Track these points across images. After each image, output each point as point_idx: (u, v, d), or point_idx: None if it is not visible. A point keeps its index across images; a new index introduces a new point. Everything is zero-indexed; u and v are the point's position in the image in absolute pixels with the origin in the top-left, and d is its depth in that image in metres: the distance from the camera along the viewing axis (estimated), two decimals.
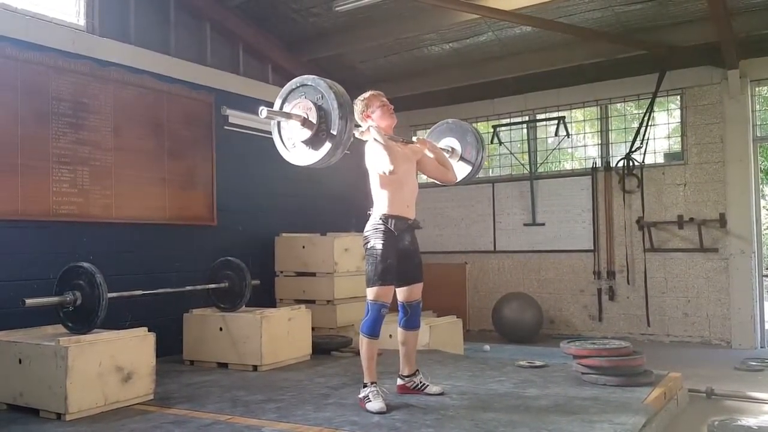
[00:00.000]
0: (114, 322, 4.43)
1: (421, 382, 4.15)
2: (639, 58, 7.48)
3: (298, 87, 3.59)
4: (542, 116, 8.65)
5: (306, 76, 3.63)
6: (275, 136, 3.71)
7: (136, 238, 5.87)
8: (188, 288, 5.43)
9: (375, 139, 3.86)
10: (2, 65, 4.97)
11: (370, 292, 3.84)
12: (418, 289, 4.07)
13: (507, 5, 6.41)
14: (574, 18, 6.88)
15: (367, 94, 4.05)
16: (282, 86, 3.72)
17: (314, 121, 3.45)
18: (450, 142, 4.59)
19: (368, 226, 3.93)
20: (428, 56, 8.07)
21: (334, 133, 3.40)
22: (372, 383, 3.83)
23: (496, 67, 8.11)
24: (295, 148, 3.60)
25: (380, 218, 3.88)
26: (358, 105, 3.97)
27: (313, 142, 3.50)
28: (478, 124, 9.22)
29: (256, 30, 7.41)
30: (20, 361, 3.95)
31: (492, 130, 8.79)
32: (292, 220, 7.45)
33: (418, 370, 4.18)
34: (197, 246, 6.38)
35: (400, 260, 3.91)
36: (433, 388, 4.13)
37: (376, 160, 3.82)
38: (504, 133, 8.84)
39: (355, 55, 8.15)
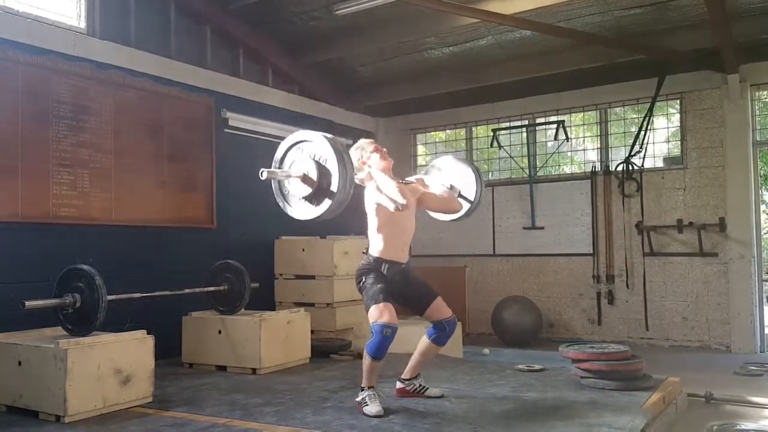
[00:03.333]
0: (113, 325, 4.43)
1: (420, 385, 4.17)
2: (638, 62, 7.49)
3: (297, 143, 3.61)
4: (542, 120, 8.66)
5: (305, 131, 3.66)
6: (275, 191, 3.74)
7: (136, 240, 5.87)
8: (187, 291, 5.42)
9: (379, 178, 3.84)
10: (3, 68, 4.98)
11: (370, 316, 3.82)
12: (437, 307, 4.07)
13: (507, 9, 6.42)
14: (573, 22, 6.89)
15: (360, 143, 4.09)
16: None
17: (314, 178, 3.47)
18: (448, 179, 4.48)
19: (361, 265, 4.00)
20: (428, 60, 8.08)
21: (335, 190, 3.42)
22: (369, 387, 3.84)
23: (496, 71, 8.12)
24: (297, 203, 3.64)
25: (374, 260, 3.94)
26: (354, 153, 3.98)
27: (313, 198, 3.53)
28: (478, 127, 9.26)
29: (256, 33, 7.43)
30: (20, 363, 3.95)
31: (491, 134, 8.79)
32: (291, 223, 7.33)
33: (419, 373, 4.20)
34: (197, 249, 6.38)
35: (402, 291, 3.98)
36: (433, 391, 4.15)
37: (384, 200, 3.81)
38: (503, 137, 8.84)
39: (355, 59, 8.16)
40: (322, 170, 3.47)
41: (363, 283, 3.95)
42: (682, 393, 4.60)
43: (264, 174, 3.49)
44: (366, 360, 3.81)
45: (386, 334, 3.72)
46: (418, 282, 4.14)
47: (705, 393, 4.74)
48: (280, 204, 3.75)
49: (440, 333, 4.07)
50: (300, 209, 3.64)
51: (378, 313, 3.77)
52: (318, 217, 3.58)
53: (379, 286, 3.85)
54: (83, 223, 5.44)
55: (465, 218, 4.57)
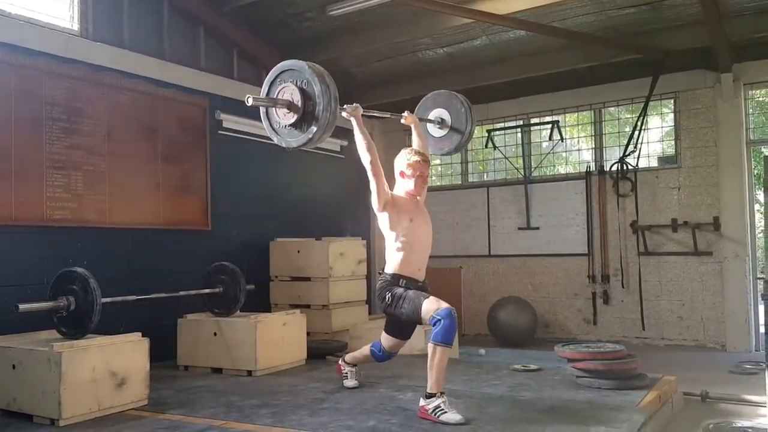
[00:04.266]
0: (108, 327, 4.42)
1: (347, 374, 4.55)
2: (632, 62, 7.50)
3: (282, 72, 3.68)
4: (536, 120, 8.68)
5: (289, 60, 3.72)
6: (264, 122, 3.78)
7: (131, 243, 5.85)
8: (182, 293, 5.41)
9: (357, 125, 3.88)
10: None
11: (426, 311, 3.69)
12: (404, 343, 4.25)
13: (501, 9, 6.43)
14: (567, 22, 6.91)
15: (417, 156, 4.01)
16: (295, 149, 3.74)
17: (299, 104, 3.55)
18: (440, 113, 4.70)
19: (379, 285, 3.96)
20: (422, 60, 8.08)
21: (319, 115, 3.49)
22: (441, 393, 3.63)
23: (490, 72, 8.12)
24: (283, 131, 3.69)
25: (390, 277, 3.91)
26: (402, 158, 4.02)
27: (299, 125, 3.60)
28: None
29: (250, 34, 7.42)
30: (14, 367, 3.94)
31: (486, 135, 8.81)
32: (287, 225, 7.44)
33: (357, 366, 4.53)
34: (192, 251, 6.36)
35: None
36: (350, 383, 4.50)
37: (373, 198, 3.86)
38: (498, 138, 8.85)
39: (350, 60, 8.16)
40: (306, 94, 3.54)
41: (391, 298, 3.85)
42: (677, 392, 4.61)
43: (250, 100, 3.56)
44: (438, 354, 3.57)
45: (455, 315, 3.64)
46: None
47: (701, 392, 4.75)
48: (271, 136, 3.79)
49: (383, 357, 4.31)
50: (289, 137, 3.68)
51: (436, 303, 3.69)
52: (304, 143, 3.62)
53: (411, 290, 3.83)
54: (77, 226, 5.42)
55: (456, 151, 4.84)
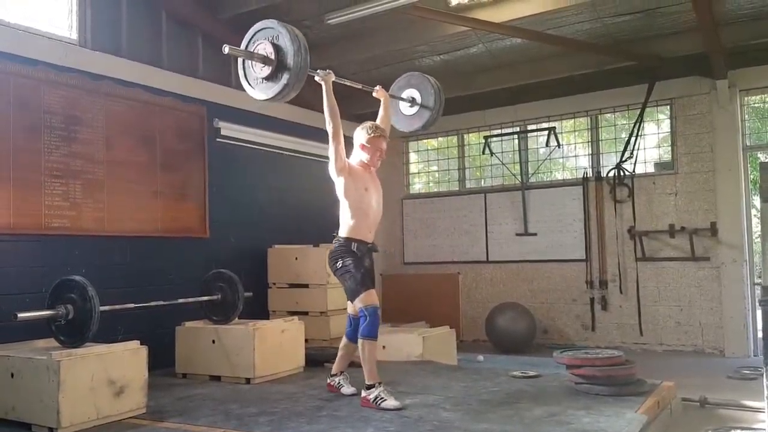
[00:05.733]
0: (106, 335, 4.42)
1: (339, 383, 4.51)
2: (628, 68, 7.54)
3: (256, 32, 3.95)
4: (533, 127, 8.71)
5: (263, 21, 3.96)
6: (242, 79, 4.03)
7: (129, 250, 5.85)
8: (181, 300, 5.41)
9: (326, 90, 4.20)
10: None
11: (360, 300, 4.12)
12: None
13: (497, 17, 6.47)
14: (563, 30, 6.94)
15: (377, 132, 4.40)
16: (272, 101, 3.94)
17: (272, 57, 3.81)
18: (411, 92, 5.03)
19: (334, 248, 4.29)
20: (419, 68, 8.07)
21: (290, 63, 3.75)
22: (378, 383, 4.06)
23: (487, 79, 8.16)
24: (259, 84, 3.93)
25: (344, 240, 4.25)
26: (363, 131, 4.40)
27: (273, 77, 3.84)
28: (470, 134, 9.29)
29: None
30: (12, 375, 3.93)
31: (483, 141, 8.83)
32: (284, 232, 7.44)
33: (344, 371, 4.54)
34: (190, 258, 6.36)
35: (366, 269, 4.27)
36: (348, 390, 4.44)
37: (331, 166, 4.23)
38: (495, 144, 8.88)
39: (347, 67, 8.17)
40: (277, 47, 3.81)
41: (342, 265, 4.19)
42: (676, 397, 4.61)
43: (226, 49, 3.79)
44: (367, 347, 4.06)
45: (380, 313, 4.12)
46: (373, 271, 4.43)
47: (699, 397, 4.75)
48: (245, 87, 4.02)
49: (351, 328, 4.40)
50: (262, 89, 3.92)
51: (370, 297, 4.11)
52: (278, 93, 3.83)
53: (362, 271, 4.16)
54: (76, 234, 5.42)
55: (424, 129, 5.06)
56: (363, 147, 4.37)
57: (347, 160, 4.30)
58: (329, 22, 6.67)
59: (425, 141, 9.70)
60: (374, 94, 4.78)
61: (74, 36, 5.79)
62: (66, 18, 5.77)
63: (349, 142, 4.38)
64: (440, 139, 9.58)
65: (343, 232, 4.28)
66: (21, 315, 4.07)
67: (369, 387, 4.08)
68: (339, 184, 4.27)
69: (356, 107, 9.21)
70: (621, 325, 7.92)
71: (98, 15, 5.92)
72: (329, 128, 4.17)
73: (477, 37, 7.23)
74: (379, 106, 4.82)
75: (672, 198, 7.70)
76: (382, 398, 4.00)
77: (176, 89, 6.44)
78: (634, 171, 7.83)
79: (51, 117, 5.32)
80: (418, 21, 6.78)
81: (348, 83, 4.76)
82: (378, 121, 4.65)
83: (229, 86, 7.21)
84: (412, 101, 5.00)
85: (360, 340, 4.11)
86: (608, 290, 7.99)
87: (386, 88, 4.92)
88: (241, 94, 7.23)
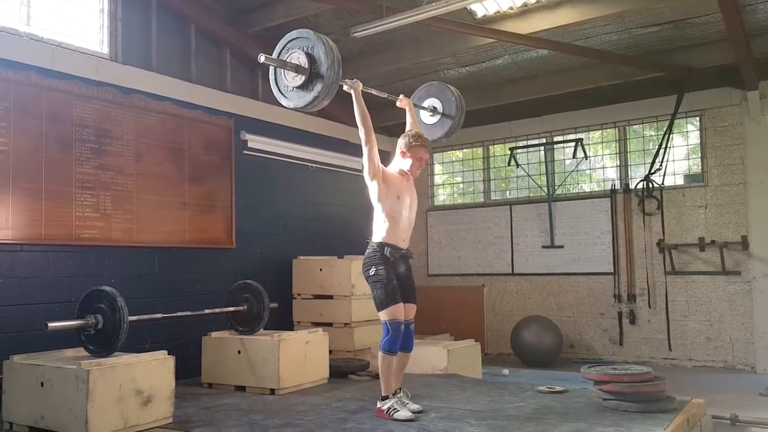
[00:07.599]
0: (134, 345, 4.46)
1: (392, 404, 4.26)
2: (657, 79, 7.47)
3: (290, 41, 3.99)
4: (560, 138, 8.65)
5: (297, 30, 4.02)
6: (273, 86, 4.09)
7: (157, 261, 5.93)
8: (207, 311, 5.45)
9: (355, 98, 4.21)
10: (28, 93, 5.09)
11: (385, 313, 4.08)
12: (412, 309, 4.29)
13: (523, 29, 6.46)
14: (590, 41, 6.90)
15: (419, 141, 4.32)
16: (299, 111, 3.95)
17: (306, 67, 3.87)
18: (432, 102, 5.07)
19: (368, 254, 4.24)
20: (445, 80, 8.08)
21: (324, 74, 3.81)
22: (393, 394, 4.10)
23: (513, 90, 8.14)
24: (289, 92, 4.00)
25: (377, 246, 4.21)
26: (404, 139, 4.33)
27: (305, 87, 3.91)
28: (495, 146, 9.26)
29: None
30: (42, 384, 3.99)
31: (509, 153, 8.80)
32: (309, 243, 7.48)
33: (400, 388, 4.25)
34: (216, 269, 6.43)
35: (398, 276, 4.21)
36: (413, 406, 4.19)
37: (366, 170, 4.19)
38: (521, 156, 8.84)
39: (373, 80, 8.18)
40: (312, 58, 3.87)
41: (374, 273, 4.14)
42: (706, 415, 4.51)
43: (261, 58, 3.87)
44: (385, 360, 4.06)
45: (401, 330, 4.08)
46: (411, 278, 4.35)
47: (730, 415, 4.66)
48: (276, 96, 4.09)
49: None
50: (294, 98, 3.99)
51: (396, 312, 4.07)
52: (309, 103, 3.90)
53: (393, 282, 4.11)
54: (105, 245, 5.51)
55: (446, 137, 5.03)
56: (403, 154, 4.33)
57: (382, 165, 4.28)
58: (355, 35, 6.72)
59: (450, 152, 9.69)
60: (398, 104, 4.82)
61: (105, 51, 5.91)
62: (98, 33, 5.90)
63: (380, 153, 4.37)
64: (465, 150, 9.57)
65: (376, 237, 4.25)
66: (51, 324, 4.13)
67: (384, 398, 4.11)
68: (372, 188, 4.24)
69: (380, 119, 9.25)
70: (649, 339, 7.80)
71: (129, 30, 6.05)
72: (361, 134, 4.18)
73: (503, 49, 7.22)
74: (404, 117, 4.83)
75: (702, 211, 7.58)
76: (395, 409, 4.03)
77: (205, 102, 6.53)
78: (663, 183, 7.73)
79: (82, 130, 5.43)
80: (444, 33, 6.80)
81: (374, 92, 4.79)
82: (410, 128, 4.67)
83: (257, 99, 7.31)
84: (434, 110, 5.04)
85: (380, 353, 4.10)
86: (636, 304, 7.88)
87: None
88: (268, 107, 7.39)
